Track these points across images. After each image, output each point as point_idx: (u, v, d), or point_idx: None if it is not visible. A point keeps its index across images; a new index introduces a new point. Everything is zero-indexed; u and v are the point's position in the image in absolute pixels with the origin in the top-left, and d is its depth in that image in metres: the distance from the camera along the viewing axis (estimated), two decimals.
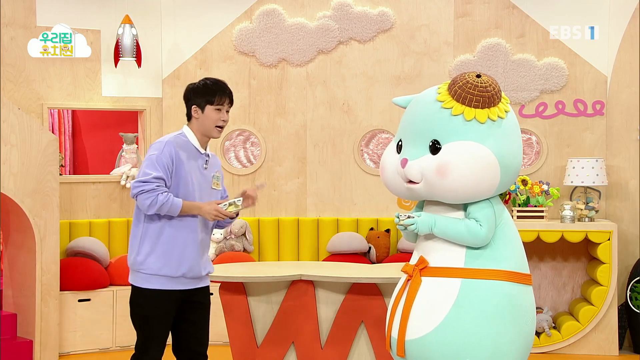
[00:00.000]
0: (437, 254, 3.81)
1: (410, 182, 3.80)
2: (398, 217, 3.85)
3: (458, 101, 3.73)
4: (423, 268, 3.82)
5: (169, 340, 4.21)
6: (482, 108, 3.72)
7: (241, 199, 4.12)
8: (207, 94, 4.12)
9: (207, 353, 4.30)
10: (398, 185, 3.87)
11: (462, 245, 3.77)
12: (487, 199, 3.79)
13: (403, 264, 4.09)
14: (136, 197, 3.99)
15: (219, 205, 4.06)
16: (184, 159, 4.08)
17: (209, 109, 4.11)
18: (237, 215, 4.16)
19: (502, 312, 3.73)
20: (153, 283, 4.06)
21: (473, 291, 3.71)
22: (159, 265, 4.05)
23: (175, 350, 4.26)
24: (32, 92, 6.79)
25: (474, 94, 3.72)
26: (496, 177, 3.72)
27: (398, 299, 3.89)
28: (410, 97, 4.02)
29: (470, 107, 3.72)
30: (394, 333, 3.85)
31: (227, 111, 4.17)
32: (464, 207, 3.82)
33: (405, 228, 3.84)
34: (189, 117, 4.18)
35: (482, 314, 3.70)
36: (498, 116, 3.74)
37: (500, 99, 3.77)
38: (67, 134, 8.15)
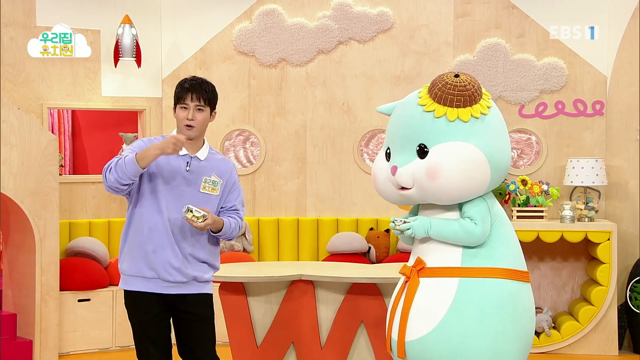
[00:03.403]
0: (434, 255, 3.82)
1: (403, 188, 3.81)
2: (394, 222, 3.86)
3: (439, 103, 3.74)
4: (420, 269, 3.82)
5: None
6: (463, 107, 3.73)
7: (204, 214, 3.86)
8: (175, 93, 4.01)
9: None
10: (391, 192, 3.88)
11: (458, 245, 3.78)
12: (480, 196, 3.80)
13: (403, 264, 4.09)
14: (105, 179, 3.87)
15: (194, 208, 3.85)
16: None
17: (177, 108, 4.01)
18: (201, 221, 3.87)
19: (502, 310, 3.72)
20: (130, 284, 3.99)
21: (471, 290, 3.71)
22: (129, 267, 3.97)
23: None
24: (32, 92, 6.79)
25: (454, 94, 3.73)
26: (486, 174, 3.73)
27: (397, 301, 3.89)
28: (393, 104, 4.03)
29: (452, 107, 3.73)
30: (394, 334, 3.85)
31: (200, 109, 3.97)
32: (459, 207, 3.82)
33: (402, 232, 3.85)
34: None
35: (481, 312, 3.70)
36: (481, 113, 3.75)
37: (481, 96, 3.78)
38: (67, 134, 8.15)
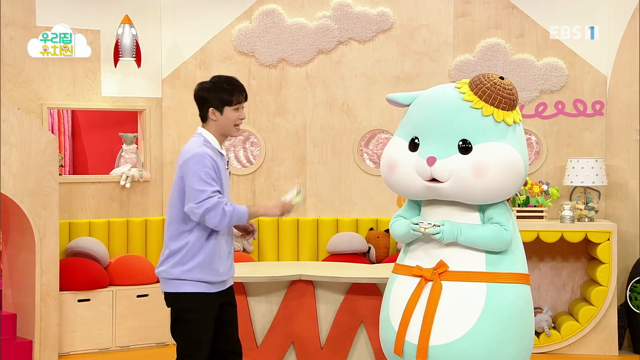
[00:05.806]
0: (456, 258, 3.77)
1: (434, 180, 3.77)
2: (419, 224, 3.76)
3: (487, 102, 3.73)
4: (442, 272, 3.78)
5: None
6: (508, 110, 3.76)
7: (301, 190, 4.04)
8: (224, 94, 3.97)
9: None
10: (415, 183, 3.80)
11: (481, 249, 3.77)
12: (502, 201, 3.81)
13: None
14: (204, 217, 3.84)
15: (283, 200, 3.99)
16: (219, 166, 3.98)
17: (227, 110, 3.97)
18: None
19: (524, 314, 3.79)
20: (198, 287, 3.95)
21: (500, 295, 3.71)
22: (202, 275, 3.94)
23: (212, 354, 4.08)
24: (32, 92, 6.79)
25: (503, 95, 3.73)
26: (522, 178, 3.78)
27: (413, 303, 3.82)
28: (410, 94, 3.99)
29: (499, 108, 3.74)
30: (412, 338, 3.78)
31: (243, 107, 4.06)
32: (479, 209, 3.80)
33: (423, 235, 3.77)
34: (205, 118, 4.02)
35: (510, 318, 3.72)
36: (519, 119, 3.81)
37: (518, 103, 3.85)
38: (67, 134, 8.15)
